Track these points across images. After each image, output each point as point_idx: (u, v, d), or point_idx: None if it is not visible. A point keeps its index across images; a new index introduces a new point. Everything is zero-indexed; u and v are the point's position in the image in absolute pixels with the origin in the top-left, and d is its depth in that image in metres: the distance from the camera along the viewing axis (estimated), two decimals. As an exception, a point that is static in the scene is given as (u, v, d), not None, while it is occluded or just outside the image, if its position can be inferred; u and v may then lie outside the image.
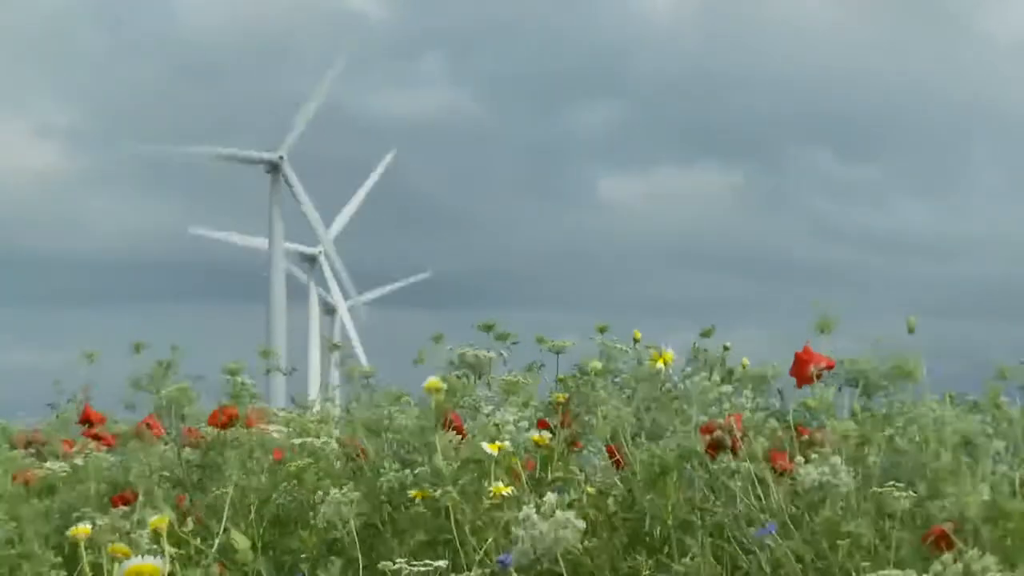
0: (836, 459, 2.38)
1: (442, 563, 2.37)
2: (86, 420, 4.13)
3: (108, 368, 4.29)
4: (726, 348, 3.25)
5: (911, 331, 2.78)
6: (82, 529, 2.48)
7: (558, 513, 1.63)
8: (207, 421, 3.55)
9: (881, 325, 2.96)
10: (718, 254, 63.79)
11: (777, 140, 78.84)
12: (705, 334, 3.30)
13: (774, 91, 70.18)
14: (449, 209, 65.66)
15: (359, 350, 36.54)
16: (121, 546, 2.32)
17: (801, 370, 2.84)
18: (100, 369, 4.20)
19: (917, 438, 2.47)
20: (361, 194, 37.36)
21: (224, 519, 3.16)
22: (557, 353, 3.46)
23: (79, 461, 3.70)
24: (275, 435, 3.60)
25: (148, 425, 3.69)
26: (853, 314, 3.03)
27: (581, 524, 1.62)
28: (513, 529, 1.88)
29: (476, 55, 70.64)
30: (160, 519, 2.57)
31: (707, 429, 2.77)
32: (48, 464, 3.73)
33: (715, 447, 2.73)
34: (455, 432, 2.95)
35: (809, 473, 2.36)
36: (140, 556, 2.14)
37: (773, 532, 2.45)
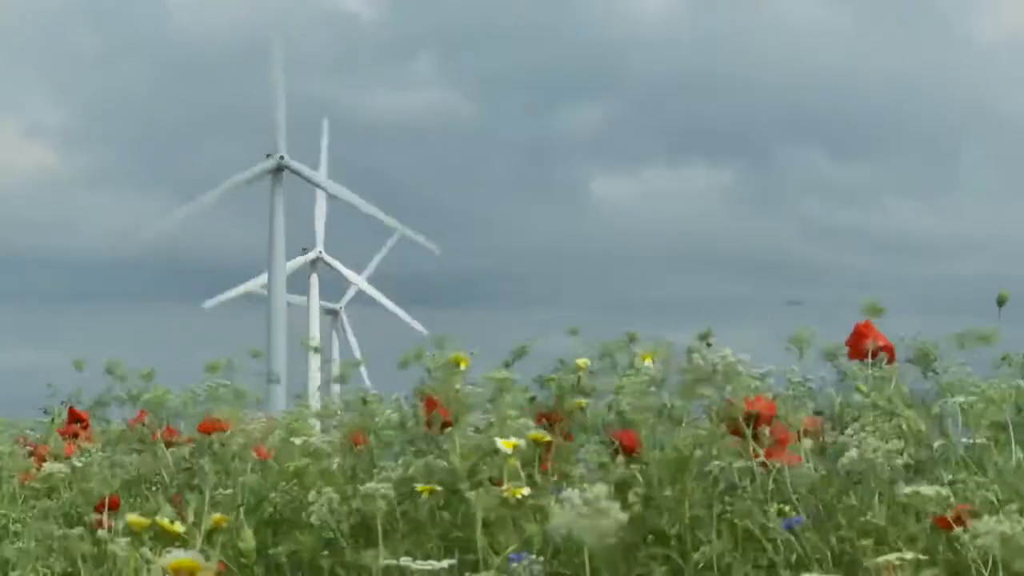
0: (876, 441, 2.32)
1: (445, 563, 2.32)
2: (75, 420, 4.12)
3: (96, 368, 4.28)
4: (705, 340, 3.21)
5: (1002, 303, 2.76)
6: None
7: (603, 501, 1.58)
8: (197, 428, 3.53)
9: (876, 325, 2.92)
10: (710, 253, 63.96)
11: (769, 140, 79.12)
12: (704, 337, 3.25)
13: (765, 91, 70.37)
14: (441, 209, 65.79)
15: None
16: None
17: (857, 344, 2.82)
18: (89, 369, 4.19)
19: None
20: (322, 174, 37.27)
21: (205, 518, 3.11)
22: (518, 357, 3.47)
23: (77, 462, 3.68)
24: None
25: (143, 424, 3.67)
26: (847, 314, 3.00)
27: (622, 516, 1.57)
28: (552, 506, 1.81)
29: (468, 55, 70.68)
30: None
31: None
32: (47, 465, 3.70)
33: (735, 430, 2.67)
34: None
35: (851, 452, 2.30)
36: (184, 550, 2.10)
37: (800, 523, 2.39)
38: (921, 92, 70.30)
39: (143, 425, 3.78)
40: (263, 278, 34.32)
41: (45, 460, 3.82)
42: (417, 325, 37.04)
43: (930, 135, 71.90)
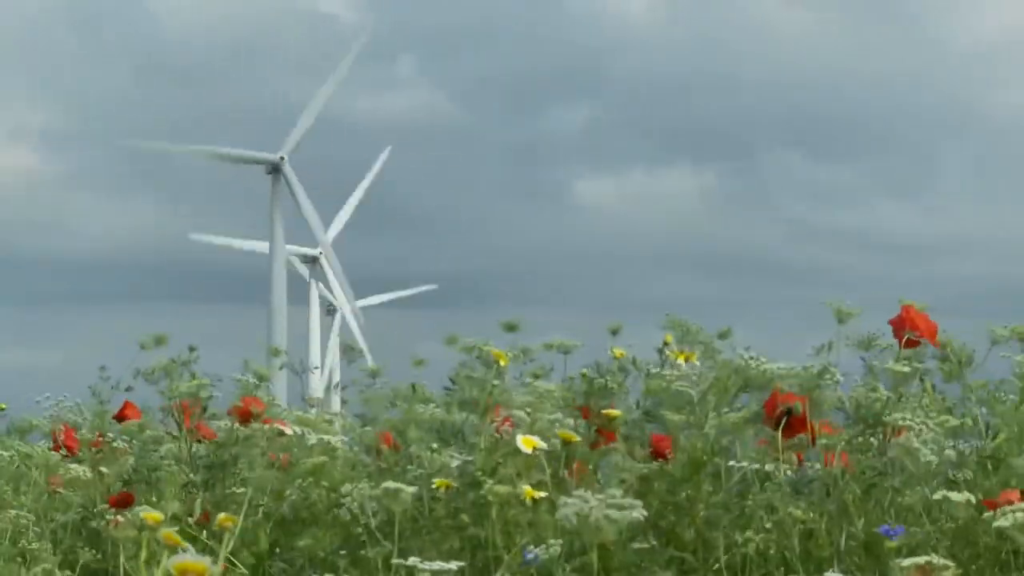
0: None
1: (453, 565, 2.33)
2: (122, 416, 4.12)
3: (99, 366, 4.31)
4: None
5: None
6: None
7: (622, 498, 1.58)
8: (230, 412, 3.54)
9: (866, 325, 2.96)
10: (697, 255, 63.86)
11: (755, 141, 78.98)
12: (722, 335, 3.27)
13: (750, 93, 70.26)
14: (428, 210, 65.65)
15: (365, 349, 36.52)
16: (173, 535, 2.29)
17: (898, 328, 2.84)
18: (86, 368, 4.20)
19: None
20: (358, 194, 37.50)
21: (241, 517, 3.11)
22: (565, 353, 3.44)
23: (104, 468, 3.70)
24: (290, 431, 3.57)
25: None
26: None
27: (641, 513, 1.56)
28: (561, 500, 1.81)
29: (452, 57, 70.39)
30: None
31: (771, 404, 2.73)
32: (72, 467, 3.73)
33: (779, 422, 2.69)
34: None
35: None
36: (189, 553, 2.09)
37: (902, 533, 2.39)
38: (904, 94, 70.29)
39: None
40: (256, 244, 34.45)
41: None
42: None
43: (914, 136, 71.88)
